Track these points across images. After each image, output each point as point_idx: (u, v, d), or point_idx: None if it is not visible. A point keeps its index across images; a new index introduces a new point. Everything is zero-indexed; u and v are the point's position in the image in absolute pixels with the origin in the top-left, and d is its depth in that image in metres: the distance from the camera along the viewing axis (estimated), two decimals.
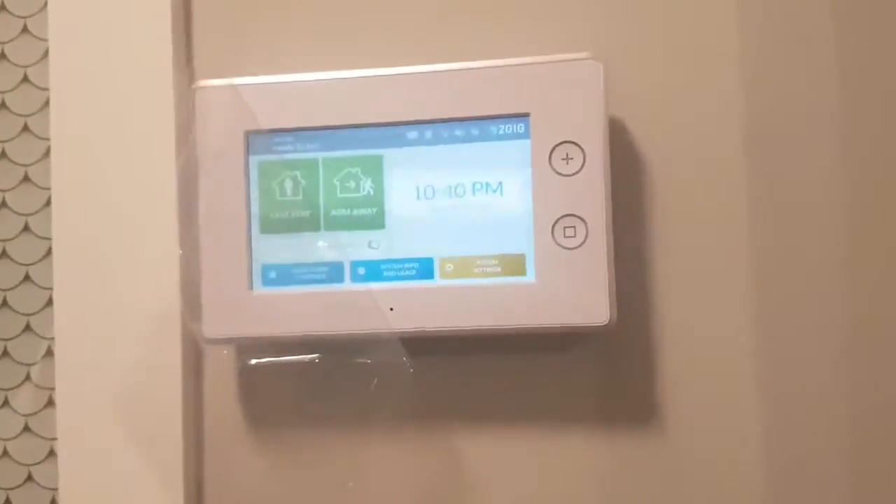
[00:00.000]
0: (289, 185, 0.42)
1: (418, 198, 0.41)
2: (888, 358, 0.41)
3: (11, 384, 0.47)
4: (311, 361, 0.43)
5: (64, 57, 0.45)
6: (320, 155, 0.42)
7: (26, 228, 0.48)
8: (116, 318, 0.44)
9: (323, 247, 0.42)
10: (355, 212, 0.42)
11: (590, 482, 0.43)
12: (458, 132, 0.41)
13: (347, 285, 0.42)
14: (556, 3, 0.44)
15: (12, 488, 0.47)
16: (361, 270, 0.42)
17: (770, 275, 0.42)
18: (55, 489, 0.46)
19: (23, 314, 0.47)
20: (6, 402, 0.47)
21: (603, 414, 0.43)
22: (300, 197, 0.42)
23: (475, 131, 0.41)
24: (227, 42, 0.46)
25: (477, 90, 0.41)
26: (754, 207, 0.42)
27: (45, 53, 0.47)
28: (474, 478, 0.43)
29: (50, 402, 0.47)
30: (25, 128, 0.48)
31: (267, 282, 0.42)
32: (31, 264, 0.47)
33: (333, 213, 0.42)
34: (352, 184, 0.42)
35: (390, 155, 0.42)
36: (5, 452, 0.47)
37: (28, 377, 0.47)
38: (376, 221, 0.42)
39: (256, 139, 0.42)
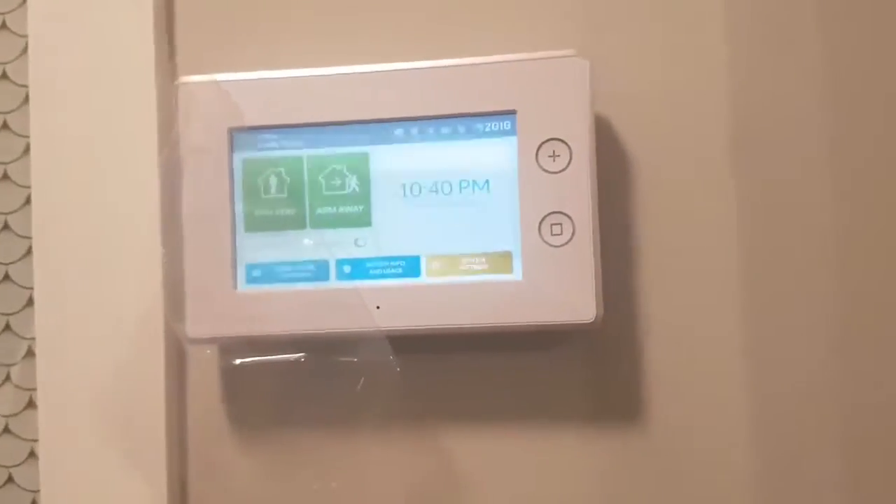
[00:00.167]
0: (273, 182, 0.42)
1: (405, 195, 0.41)
2: (876, 357, 0.41)
3: None
4: (297, 361, 0.43)
5: (44, 53, 0.45)
6: (305, 152, 0.42)
7: (6, 227, 0.47)
8: (98, 318, 0.44)
9: (308, 245, 0.42)
10: (341, 209, 0.41)
11: (576, 480, 0.43)
12: (444, 129, 0.41)
13: (333, 283, 0.41)
14: (543, 1, 0.44)
15: None
16: (347, 268, 0.41)
17: (757, 273, 0.42)
18: (36, 491, 0.46)
19: (2, 314, 0.47)
20: None
21: (589, 411, 0.43)
22: (285, 194, 0.42)
23: (462, 128, 0.41)
24: (211, 37, 0.45)
25: (463, 87, 0.41)
26: (741, 205, 0.42)
27: (25, 49, 0.46)
28: (461, 476, 0.43)
29: (30, 404, 0.46)
30: (5, 125, 0.47)
31: (251, 280, 0.42)
32: (10, 263, 0.47)
33: (319, 210, 0.42)
34: (337, 181, 0.42)
35: (376, 152, 0.41)
36: None
37: (8, 378, 0.47)
38: (362, 219, 0.41)
39: (240, 136, 0.42)
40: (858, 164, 0.42)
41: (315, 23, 0.45)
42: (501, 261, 0.40)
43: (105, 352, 0.44)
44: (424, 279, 0.41)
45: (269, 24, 0.45)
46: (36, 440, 0.45)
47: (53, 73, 0.45)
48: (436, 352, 0.43)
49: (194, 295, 0.41)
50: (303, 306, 0.41)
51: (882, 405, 0.41)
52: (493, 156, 0.41)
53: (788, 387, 0.42)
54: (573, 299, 0.39)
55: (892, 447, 0.41)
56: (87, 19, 0.44)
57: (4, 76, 0.47)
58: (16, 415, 0.46)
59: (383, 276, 0.41)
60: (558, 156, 0.40)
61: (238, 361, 0.43)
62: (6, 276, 0.47)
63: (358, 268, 0.41)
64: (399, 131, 0.41)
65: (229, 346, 0.43)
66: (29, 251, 0.46)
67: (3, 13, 0.47)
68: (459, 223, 0.41)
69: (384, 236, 0.41)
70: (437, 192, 0.41)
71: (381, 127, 0.41)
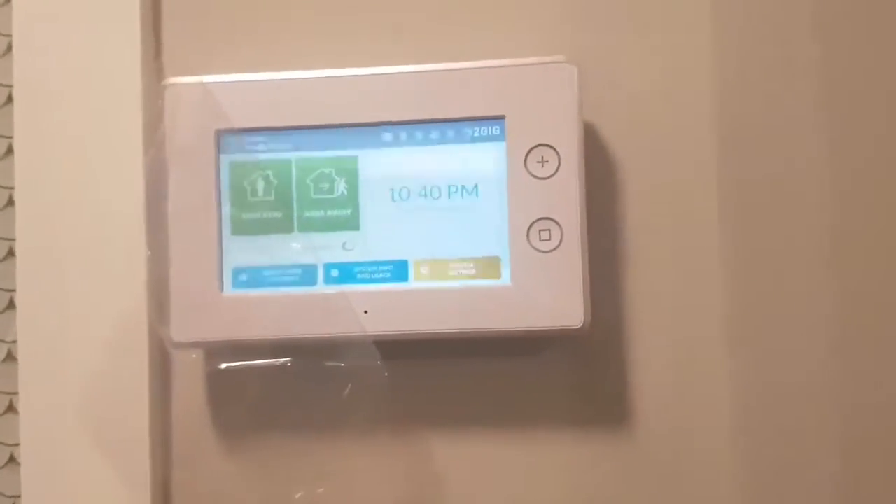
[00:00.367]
0: (261, 185, 0.42)
1: (393, 199, 0.41)
2: (864, 359, 0.42)
3: None
4: (283, 365, 0.42)
5: (28, 52, 0.44)
6: (293, 155, 0.42)
7: None
8: (82, 321, 0.43)
9: (296, 248, 0.41)
10: (329, 213, 0.41)
11: (563, 485, 0.43)
12: (433, 134, 0.41)
13: (320, 288, 0.41)
14: (531, 7, 0.44)
15: None
16: (335, 273, 0.41)
17: (744, 278, 0.43)
18: (16, 496, 0.45)
19: None
20: None
21: (577, 417, 0.43)
22: (272, 197, 0.42)
23: (450, 133, 0.41)
24: (198, 38, 0.45)
25: (452, 92, 0.41)
26: (729, 211, 0.43)
27: (9, 48, 0.46)
28: (448, 482, 0.43)
29: (10, 408, 0.46)
30: None
31: (238, 284, 0.41)
32: None
33: (307, 214, 0.41)
34: (325, 185, 0.41)
35: (365, 156, 0.41)
36: None
37: None
38: (350, 223, 0.41)
39: (227, 138, 0.42)
40: (849, 167, 0.42)
41: (305, 25, 0.45)
42: (490, 266, 0.40)
43: (88, 355, 0.43)
44: (412, 284, 0.41)
45: (257, 25, 0.45)
46: (16, 445, 0.45)
47: (38, 73, 0.44)
48: (423, 357, 0.43)
49: (180, 298, 0.41)
50: (290, 311, 0.41)
51: (872, 411, 0.42)
52: (482, 161, 0.41)
53: (776, 391, 0.42)
54: (561, 305, 0.40)
55: (884, 451, 0.42)
56: (73, 18, 0.44)
57: None
58: None
59: (371, 280, 0.41)
60: (547, 161, 0.40)
61: (224, 366, 0.43)
62: None
63: (346, 272, 0.41)
64: (388, 135, 0.41)
65: (215, 351, 0.43)
66: (10, 253, 0.46)
67: None
68: (448, 228, 0.41)
69: (372, 240, 0.41)
70: (425, 196, 0.41)
71: (369, 131, 0.41)
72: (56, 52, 0.44)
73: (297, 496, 0.43)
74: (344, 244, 0.41)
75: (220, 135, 0.41)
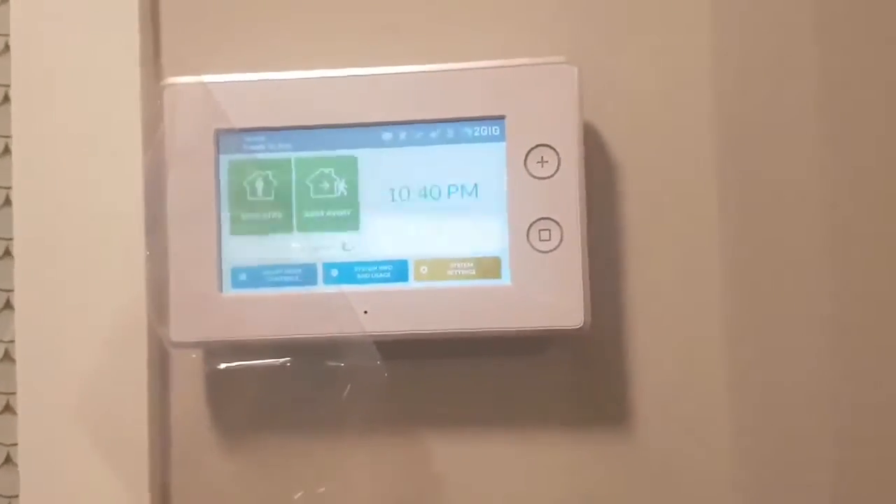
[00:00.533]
0: (260, 185, 0.42)
1: (393, 199, 0.41)
2: (864, 359, 0.42)
3: None
4: (283, 365, 0.42)
5: (25, 51, 0.44)
6: (293, 155, 0.41)
7: None
8: (81, 321, 0.43)
9: (295, 248, 0.41)
10: (329, 213, 0.41)
11: (563, 484, 0.43)
12: (433, 134, 0.41)
13: (320, 287, 0.41)
14: (532, 7, 0.44)
15: None
16: (335, 272, 0.41)
17: (744, 279, 0.43)
18: (13, 497, 0.45)
19: None
20: None
21: (577, 416, 0.43)
22: (272, 197, 0.41)
23: (450, 133, 0.41)
24: (197, 38, 0.45)
25: (452, 92, 0.41)
26: (729, 211, 0.43)
27: (6, 48, 0.45)
28: (448, 482, 0.43)
29: (7, 408, 0.45)
30: None
31: (237, 284, 0.41)
32: None
33: (306, 214, 0.41)
34: (325, 184, 0.41)
35: (365, 156, 0.41)
36: None
37: None
38: (350, 223, 0.41)
39: (227, 138, 0.42)
40: (849, 167, 0.42)
41: (304, 25, 0.45)
42: (490, 266, 0.40)
43: (87, 355, 0.43)
44: (412, 284, 0.41)
45: (257, 25, 0.45)
46: (13, 445, 0.45)
47: (37, 73, 0.44)
48: (423, 357, 0.43)
49: (179, 298, 0.41)
50: (289, 310, 0.41)
51: (871, 411, 0.42)
52: (482, 161, 0.41)
53: (776, 391, 0.42)
54: (561, 305, 0.40)
55: (883, 451, 0.42)
56: (71, 17, 0.44)
57: None
58: None
59: (371, 280, 0.41)
60: (547, 162, 0.40)
61: (223, 366, 0.43)
62: None
63: (345, 272, 0.41)
64: (388, 135, 0.41)
65: (214, 351, 0.43)
66: (7, 252, 0.46)
67: None
68: (448, 228, 0.41)
69: (372, 240, 0.41)
70: (425, 196, 0.41)
71: (369, 130, 0.41)
72: (54, 52, 0.44)
73: (296, 496, 0.43)
74: (344, 244, 0.41)
75: (220, 134, 0.41)
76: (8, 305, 0.46)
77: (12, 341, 0.45)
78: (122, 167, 0.43)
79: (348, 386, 0.42)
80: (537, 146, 0.40)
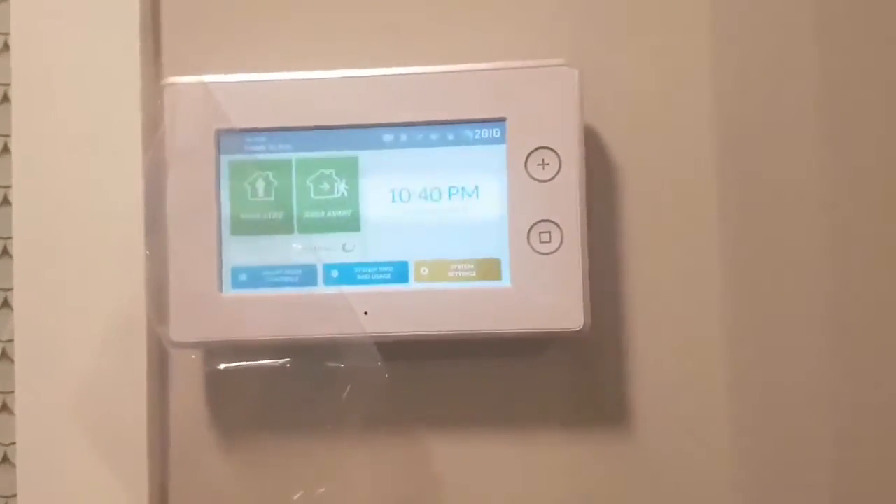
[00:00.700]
0: (261, 185, 0.42)
1: (394, 200, 0.41)
2: (864, 359, 0.42)
3: None
4: (283, 366, 0.42)
5: (25, 50, 0.44)
6: (294, 155, 0.42)
7: None
8: (79, 320, 0.43)
9: (296, 249, 0.41)
10: (329, 214, 0.41)
11: (563, 485, 0.43)
12: (433, 136, 0.41)
13: (321, 288, 0.41)
14: (532, 10, 0.44)
15: None
16: (335, 273, 0.41)
17: (744, 281, 0.43)
18: (10, 497, 0.44)
19: None
20: None
21: (576, 418, 0.43)
22: (272, 198, 0.42)
23: (451, 135, 0.41)
24: (198, 38, 0.45)
25: (453, 94, 0.41)
26: (728, 214, 0.43)
27: (6, 47, 0.45)
28: (448, 482, 0.43)
29: (4, 407, 0.45)
30: None
31: (237, 284, 0.41)
32: None
33: (307, 214, 0.41)
34: (326, 185, 0.41)
35: (365, 157, 0.41)
36: None
37: None
38: (351, 224, 0.41)
39: (228, 138, 0.41)
40: (849, 167, 0.43)
41: (306, 26, 0.45)
42: (490, 268, 0.41)
43: (86, 355, 0.43)
44: (413, 285, 0.41)
45: (258, 26, 0.45)
46: (9, 444, 0.44)
47: (37, 72, 0.44)
48: (424, 358, 0.43)
49: (179, 298, 0.41)
50: (289, 311, 0.41)
51: (871, 411, 0.42)
52: (483, 163, 0.41)
53: (776, 391, 0.43)
54: (561, 307, 0.40)
55: (883, 451, 0.42)
56: (71, 17, 0.44)
57: None
58: None
59: (371, 281, 0.41)
60: (547, 164, 0.40)
61: (223, 366, 0.43)
62: None
63: (346, 273, 0.41)
64: (388, 136, 0.41)
65: (214, 351, 0.43)
66: (4, 251, 0.45)
67: None
68: (448, 229, 0.41)
69: (372, 241, 0.41)
70: (425, 198, 0.41)
71: (370, 132, 0.41)
72: (54, 51, 0.44)
73: (296, 497, 0.43)
74: (344, 245, 0.41)
75: (221, 135, 0.41)
76: (5, 304, 0.45)
77: (10, 341, 0.44)
78: (121, 167, 0.43)
79: (348, 387, 0.42)
80: (538, 148, 0.40)
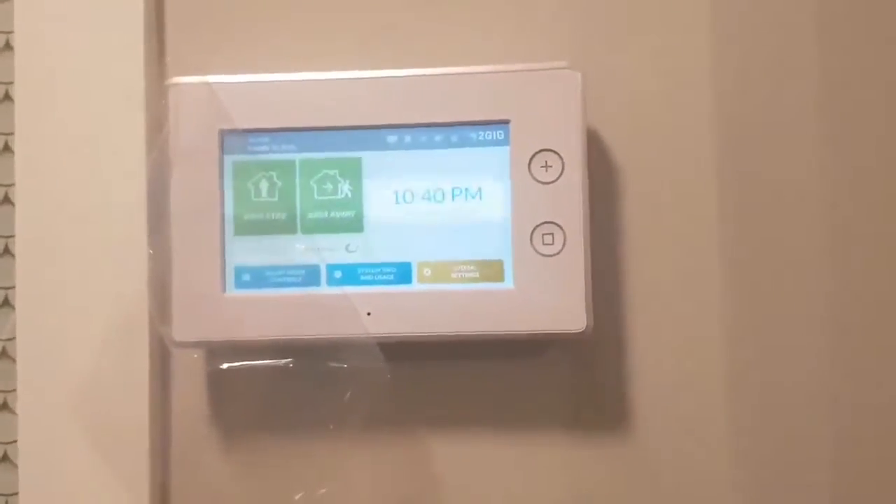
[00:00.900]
0: (264, 185, 0.42)
1: (397, 202, 0.41)
2: (864, 359, 0.43)
3: None
4: (285, 366, 0.42)
5: (29, 49, 0.44)
6: (297, 156, 0.42)
7: None
8: (82, 319, 0.43)
9: (299, 249, 0.41)
10: (333, 214, 0.41)
11: (564, 486, 0.43)
12: (437, 137, 0.41)
13: (324, 289, 0.41)
14: (535, 13, 0.44)
15: None
16: (338, 274, 0.41)
17: (744, 279, 0.43)
18: (10, 495, 0.44)
19: None
20: None
21: (578, 419, 0.43)
22: (276, 198, 0.42)
23: (454, 137, 0.41)
24: (202, 38, 0.45)
25: (457, 96, 0.41)
26: (730, 216, 0.43)
27: (7, 45, 0.45)
28: (450, 483, 0.43)
29: (4, 406, 0.45)
30: None
31: (240, 284, 0.41)
32: None
33: (310, 215, 0.41)
34: (329, 186, 0.41)
35: (369, 158, 0.41)
36: None
37: None
38: (354, 225, 0.41)
39: (231, 138, 0.42)
40: (849, 167, 0.43)
41: (310, 27, 0.45)
42: (493, 269, 0.41)
43: (88, 354, 0.43)
44: (416, 286, 0.41)
45: (261, 26, 0.45)
46: (9, 443, 0.44)
47: (39, 71, 0.44)
48: (426, 358, 0.43)
49: (181, 298, 0.41)
50: (293, 311, 0.41)
51: (871, 411, 0.42)
52: (486, 165, 0.41)
53: (776, 391, 0.43)
54: (564, 308, 0.40)
55: (883, 451, 0.42)
56: (75, 16, 0.44)
57: None
58: None
59: (374, 282, 0.41)
60: (550, 166, 0.41)
61: (225, 366, 0.43)
62: None
63: (349, 273, 0.41)
64: (392, 138, 0.41)
65: (216, 350, 0.43)
66: (6, 250, 0.45)
67: None
68: (451, 231, 0.41)
69: (376, 242, 0.41)
70: (429, 199, 0.41)
71: (374, 133, 0.41)
72: (57, 50, 0.44)
73: (297, 497, 0.43)
74: (347, 246, 0.41)
75: (224, 135, 0.41)
76: (6, 303, 0.45)
77: (11, 339, 0.44)
78: (124, 166, 0.43)
79: (350, 387, 0.42)
80: (541, 151, 0.41)
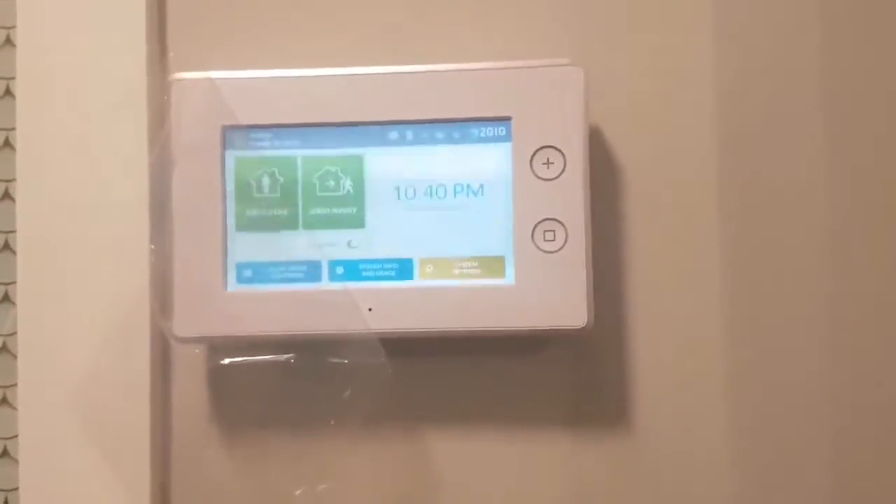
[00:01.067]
0: (266, 181, 0.42)
1: (399, 198, 0.41)
2: (863, 359, 0.43)
3: None
4: (286, 362, 0.42)
5: (30, 44, 0.44)
6: (299, 152, 0.42)
7: None
8: (83, 315, 0.43)
9: (301, 245, 0.41)
10: (334, 211, 0.41)
11: (564, 483, 0.43)
12: (439, 134, 0.41)
13: (325, 285, 0.41)
14: (537, 10, 0.44)
15: None
16: (340, 270, 0.41)
17: (745, 281, 0.43)
18: (9, 490, 0.44)
19: None
20: None
21: (578, 415, 0.43)
22: (278, 194, 0.42)
23: (456, 134, 0.41)
24: (205, 34, 0.45)
25: (459, 92, 0.41)
26: (731, 214, 0.43)
27: (8, 40, 0.45)
28: (450, 479, 0.43)
29: (3, 401, 0.45)
30: None
31: (242, 280, 0.41)
32: None
33: (312, 211, 0.41)
34: (331, 182, 0.41)
35: (371, 154, 0.41)
36: None
37: None
38: (356, 221, 0.41)
39: (234, 134, 0.42)
40: (849, 167, 0.43)
41: (313, 23, 0.45)
42: (494, 265, 0.41)
43: (89, 349, 0.43)
44: (417, 282, 0.41)
45: (264, 22, 0.45)
46: (9, 438, 0.44)
47: (41, 66, 0.44)
48: (427, 354, 0.43)
49: (183, 293, 0.41)
50: (294, 307, 0.41)
51: (871, 411, 0.42)
52: (488, 161, 0.41)
53: (776, 391, 0.43)
54: (565, 305, 0.40)
55: (883, 451, 0.42)
56: (77, 11, 0.44)
57: None
58: None
59: (376, 278, 0.41)
60: (552, 163, 0.41)
61: (226, 361, 0.43)
62: None
63: (350, 269, 0.41)
64: (394, 134, 0.41)
65: (217, 346, 0.43)
66: (6, 245, 0.45)
67: None
68: (453, 227, 0.41)
69: (377, 238, 0.41)
70: (431, 195, 0.41)
71: (375, 129, 0.41)
72: (59, 45, 0.44)
73: (297, 493, 0.43)
74: (349, 242, 0.41)
75: (227, 131, 0.41)
76: (6, 298, 0.45)
77: (12, 335, 0.44)
78: (127, 162, 0.43)
79: (352, 383, 0.42)
80: (543, 147, 0.41)
